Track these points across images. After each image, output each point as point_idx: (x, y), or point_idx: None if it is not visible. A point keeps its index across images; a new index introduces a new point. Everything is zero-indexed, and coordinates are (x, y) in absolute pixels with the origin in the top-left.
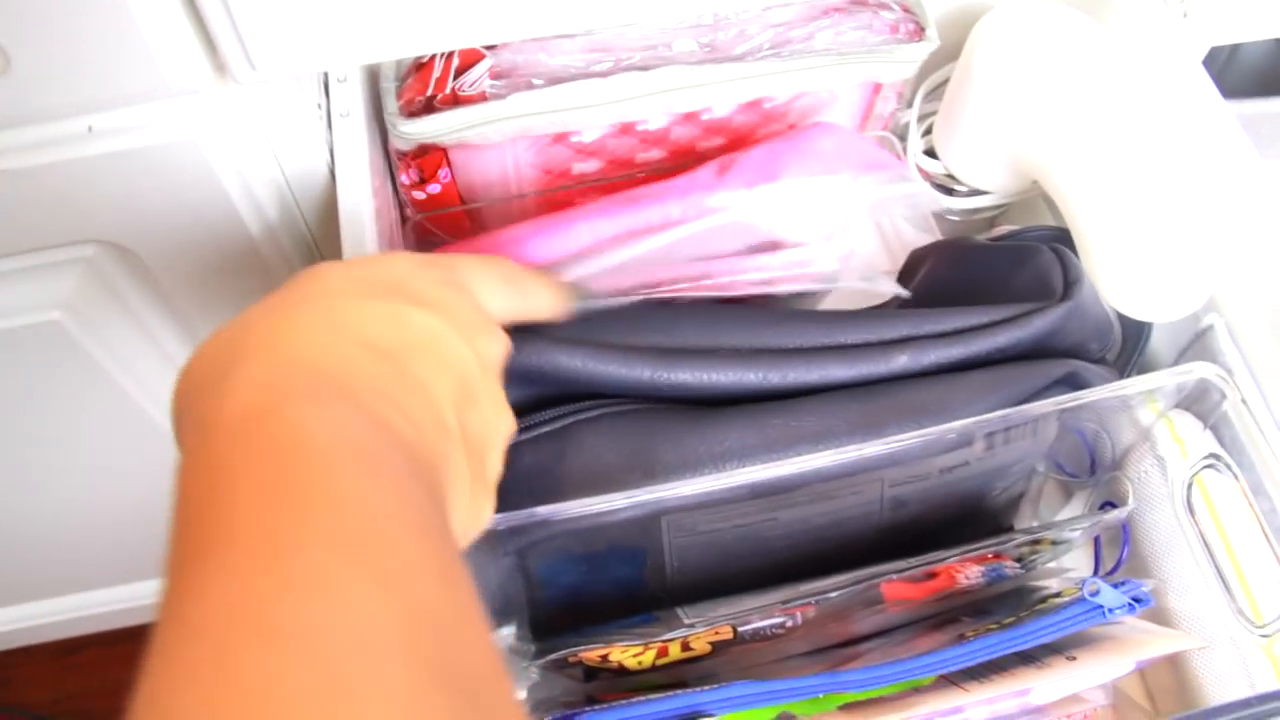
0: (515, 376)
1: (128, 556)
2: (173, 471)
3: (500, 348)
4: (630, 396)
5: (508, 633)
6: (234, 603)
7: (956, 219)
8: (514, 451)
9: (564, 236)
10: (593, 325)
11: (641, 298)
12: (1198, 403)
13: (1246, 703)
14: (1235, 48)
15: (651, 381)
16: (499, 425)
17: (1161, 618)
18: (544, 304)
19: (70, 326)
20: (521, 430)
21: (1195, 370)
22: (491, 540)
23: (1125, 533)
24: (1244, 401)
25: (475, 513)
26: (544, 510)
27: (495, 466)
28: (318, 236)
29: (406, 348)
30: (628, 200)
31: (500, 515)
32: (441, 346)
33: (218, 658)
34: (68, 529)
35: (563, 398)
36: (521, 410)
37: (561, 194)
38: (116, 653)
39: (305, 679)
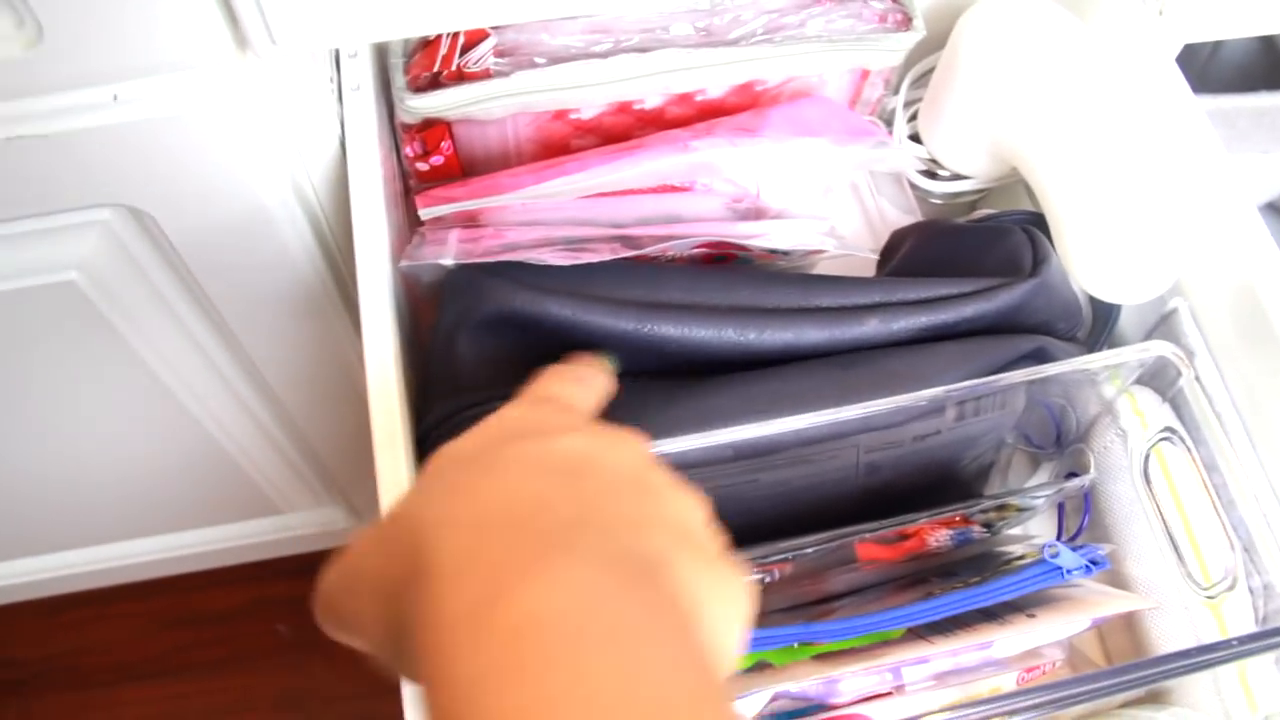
0: (509, 327)
1: (125, 514)
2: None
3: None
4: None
5: None
6: None
7: (939, 202)
8: None
9: (558, 180)
10: (582, 279)
11: (630, 255)
12: (1157, 379)
13: (1186, 653)
14: (1217, 45)
15: (636, 333)
16: (683, 506)
17: (1119, 583)
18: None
19: (85, 287)
20: (520, 390)
21: (1154, 348)
22: None
23: (1087, 501)
24: (1198, 379)
25: (724, 597)
26: None
27: (705, 539)
28: (326, 207)
29: (577, 483)
30: (621, 149)
31: None
32: (596, 465)
33: None
34: (67, 485)
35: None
36: (519, 370)
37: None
38: (109, 611)
39: None
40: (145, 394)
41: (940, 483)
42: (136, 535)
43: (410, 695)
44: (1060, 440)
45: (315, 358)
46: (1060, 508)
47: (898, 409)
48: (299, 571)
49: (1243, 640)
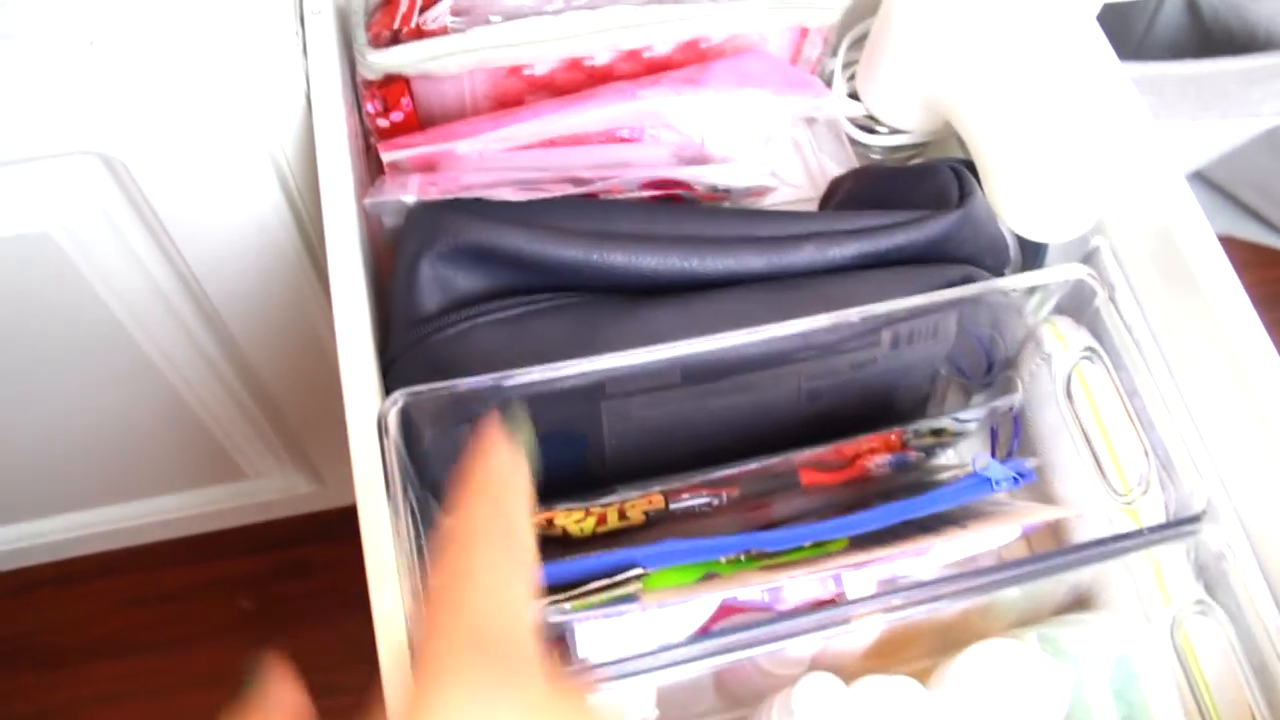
0: (466, 257)
1: (88, 478)
2: None
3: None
4: (574, 289)
5: None
6: None
7: (878, 157)
8: (471, 334)
9: (512, 127)
10: (537, 213)
11: (581, 192)
12: (1077, 306)
13: (1101, 541)
14: (1152, 21)
15: (586, 261)
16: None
17: (1048, 501)
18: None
19: (58, 237)
20: (478, 315)
21: (1070, 271)
22: (449, 409)
23: (1016, 424)
24: (1112, 300)
25: None
26: (501, 375)
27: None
28: (293, 163)
29: None
30: (573, 98)
31: (461, 380)
32: None
33: None
34: (30, 448)
35: (515, 290)
36: (478, 299)
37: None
38: (72, 590)
39: None
40: (112, 349)
41: (880, 413)
42: (100, 502)
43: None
44: (991, 369)
45: (282, 317)
46: (993, 435)
47: (833, 327)
48: (261, 548)
49: (1151, 530)
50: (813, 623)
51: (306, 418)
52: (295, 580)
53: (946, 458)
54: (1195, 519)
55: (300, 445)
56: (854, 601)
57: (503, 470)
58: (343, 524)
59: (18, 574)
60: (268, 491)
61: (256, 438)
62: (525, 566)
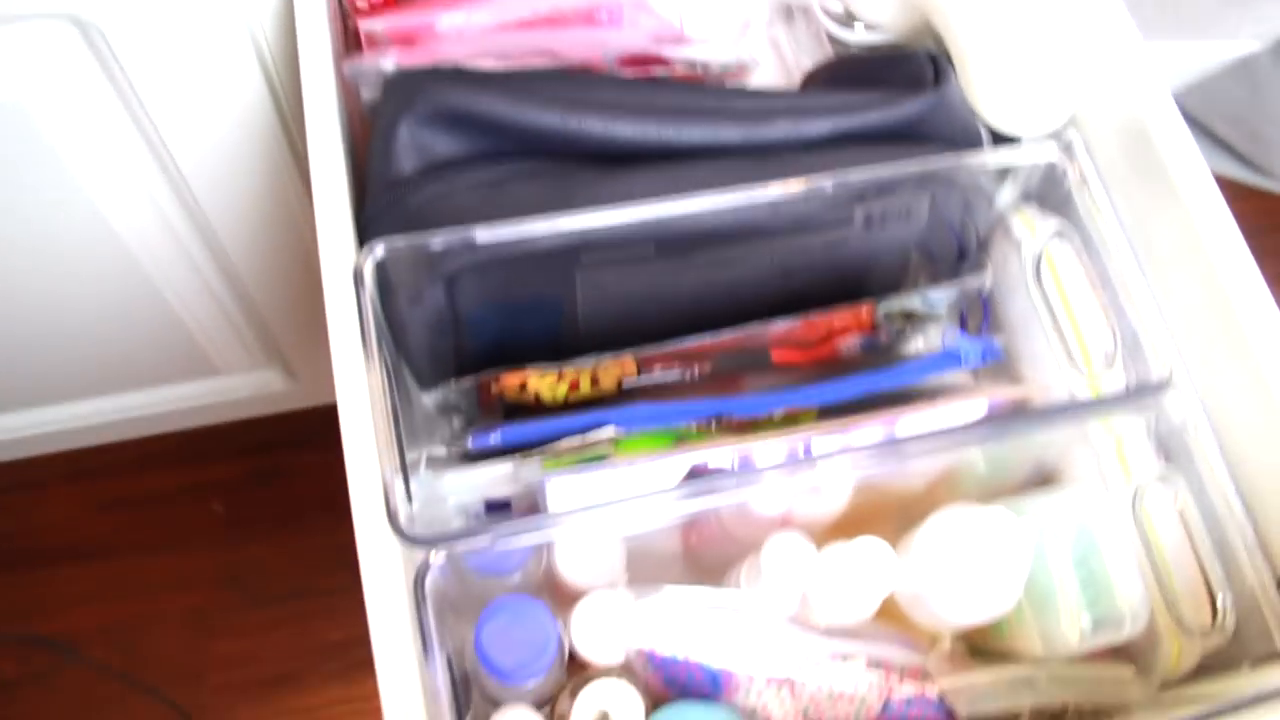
0: (445, 121)
1: (59, 369)
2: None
3: None
4: (551, 156)
5: (431, 399)
6: None
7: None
8: (448, 197)
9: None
10: (517, 83)
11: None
12: (1048, 193)
13: (1061, 405)
14: None
15: (563, 127)
16: None
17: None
18: None
19: (32, 110)
20: (455, 179)
21: (1044, 150)
22: (428, 265)
23: (985, 307)
24: (1084, 179)
25: None
26: (475, 231)
27: None
28: (270, 37)
29: None
30: None
31: (440, 236)
32: None
33: None
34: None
35: (492, 156)
36: (455, 163)
37: None
38: (46, 495)
39: None
40: (82, 229)
41: (852, 299)
42: (68, 396)
43: (367, 565)
44: (963, 257)
45: (259, 200)
46: (963, 321)
47: (806, 194)
48: (234, 454)
49: (1116, 396)
50: (779, 470)
51: (280, 307)
52: (269, 485)
53: (916, 345)
54: (1158, 388)
55: (274, 338)
56: (820, 458)
57: None
58: (318, 429)
59: None
60: (241, 389)
61: (229, 328)
62: None
